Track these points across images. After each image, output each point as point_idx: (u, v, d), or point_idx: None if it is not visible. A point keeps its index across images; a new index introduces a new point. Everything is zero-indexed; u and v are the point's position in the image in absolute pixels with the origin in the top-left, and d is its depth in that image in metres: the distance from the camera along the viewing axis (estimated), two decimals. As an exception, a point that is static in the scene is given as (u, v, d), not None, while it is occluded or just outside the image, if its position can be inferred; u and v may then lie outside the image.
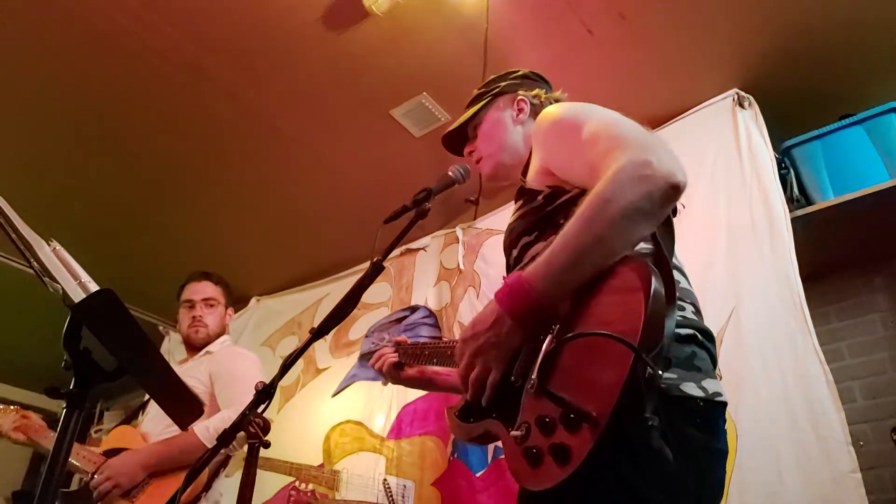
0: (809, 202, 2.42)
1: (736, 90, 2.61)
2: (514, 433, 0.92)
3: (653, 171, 0.94)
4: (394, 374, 1.56)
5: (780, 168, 2.44)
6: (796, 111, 2.64)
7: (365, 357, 3.30)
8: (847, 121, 2.41)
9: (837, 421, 1.89)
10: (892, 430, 2.27)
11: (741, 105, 2.58)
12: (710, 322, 2.23)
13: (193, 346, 2.46)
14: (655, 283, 0.86)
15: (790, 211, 2.32)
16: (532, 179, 1.27)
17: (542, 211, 1.20)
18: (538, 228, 1.20)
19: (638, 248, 1.03)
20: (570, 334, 0.91)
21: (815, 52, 2.48)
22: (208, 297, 2.47)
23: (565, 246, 0.96)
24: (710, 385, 1.02)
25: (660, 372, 0.79)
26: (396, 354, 1.56)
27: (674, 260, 1.15)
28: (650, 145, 1.00)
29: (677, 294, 1.08)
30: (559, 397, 0.86)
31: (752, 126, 2.52)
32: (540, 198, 1.21)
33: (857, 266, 2.60)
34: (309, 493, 3.11)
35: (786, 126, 2.57)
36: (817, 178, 2.42)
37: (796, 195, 2.44)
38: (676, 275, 1.13)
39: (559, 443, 0.84)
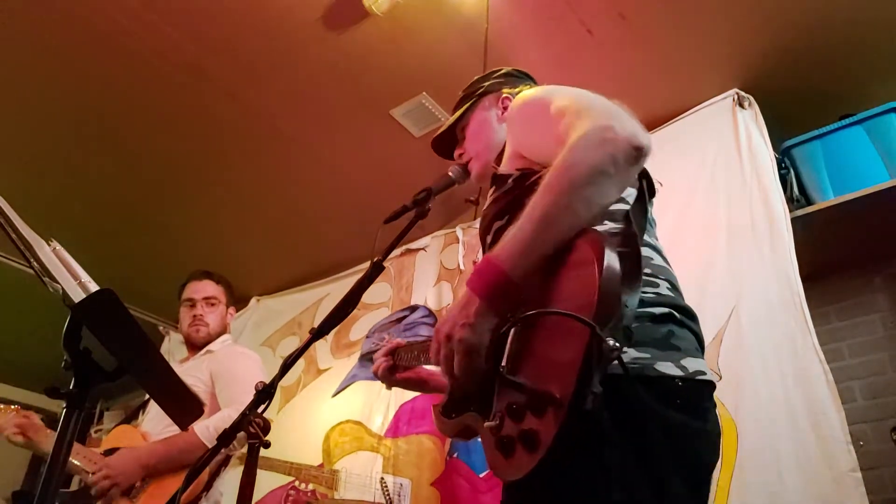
0: (809, 202, 2.42)
1: (736, 90, 2.61)
2: (487, 424, 0.90)
3: (615, 135, 0.95)
4: (387, 378, 1.54)
5: (780, 168, 2.44)
6: (796, 111, 2.64)
7: (366, 357, 3.31)
8: (847, 121, 2.41)
9: (837, 420, 1.89)
10: (892, 430, 2.27)
11: (741, 105, 2.58)
12: (711, 322, 2.25)
13: (194, 345, 2.45)
14: (609, 254, 0.84)
15: (790, 211, 2.32)
16: (503, 165, 1.27)
17: (512, 194, 1.18)
18: (508, 212, 1.18)
19: (607, 227, 1.03)
20: (524, 314, 0.89)
21: (815, 52, 2.49)
22: (209, 296, 2.46)
23: (531, 218, 0.94)
24: (692, 364, 0.99)
25: (617, 344, 0.77)
26: (391, 358, 1.55)
27: (649, 238, 1.14)
28: (612, 112, 1.00)
29: (648, 270, 1.06)
30: (518, 382, 0.84)
31: (752, 126, 2.52)
32: (510, 181, 1.20)
33: (857, 266, 2.60)
34: (309, 493, 3.11)
35: (786, 126, 2.57)
36: (817, 178, 2.42)
37: (796, 195, 2.44)
38: (649, 251, 1.12)
39: (527, 429, 0.81)
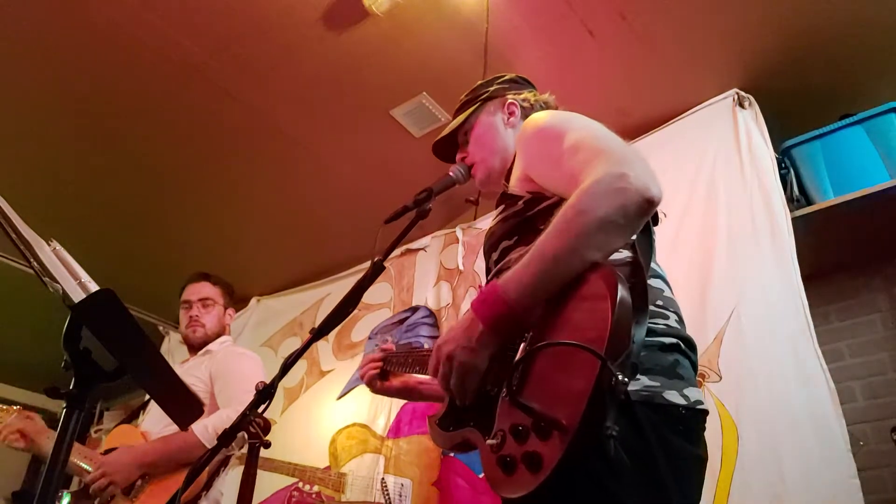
0: (809, 202, 2.42)
1: (736, 90, 2.61)
2: (489, 441, 0.93)
3: (627, 184, 0.96)
4: (374, 385, 1.55)
5: (780, 168, 2.44)
6: (796, 111, 2.64)
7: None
8: (847, 121, 2.41)
9: (837, 423, 1.89)
10: (892, 430, 2.27)
11: (741, 105, 2.58)
12: (711, 322, 2.24)
13: (192, 346, 2.46)
14: (622, 291, 0.87)
15: (790, 211, 2.32)
16: (514, 185, 1.27)
17: (523, 215, 1.21)
18: (518, 232, 1.21)
19: (618, 255, 1.04)
20: (539, 344, 0.93)
21: (815, 52, 2.48)
22: (204, 297, 2.48)
23: (540, 256, 0.97)
24: (692, 393, 1.03)
25: (625, 379, 0.80)
26: (380, 365, 1.55)
27: (656, 268, 1.17)
28: (628, 158, 1.01)
29: (660, 302, 1.10)
30: (528, 406, 0.87)
31: (752, 126, 2.52)
32: (520, 203, 1.22)
33: (858, 266, 2.60)
34: (314, 496, 3.10)
35: (786, 126, 2.57)
36: (817, 178, 2.42)
37: (796, 195, 2.44)
38: (659, 283, 1.15)
39: (531, 451, 0.85)
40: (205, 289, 2.50)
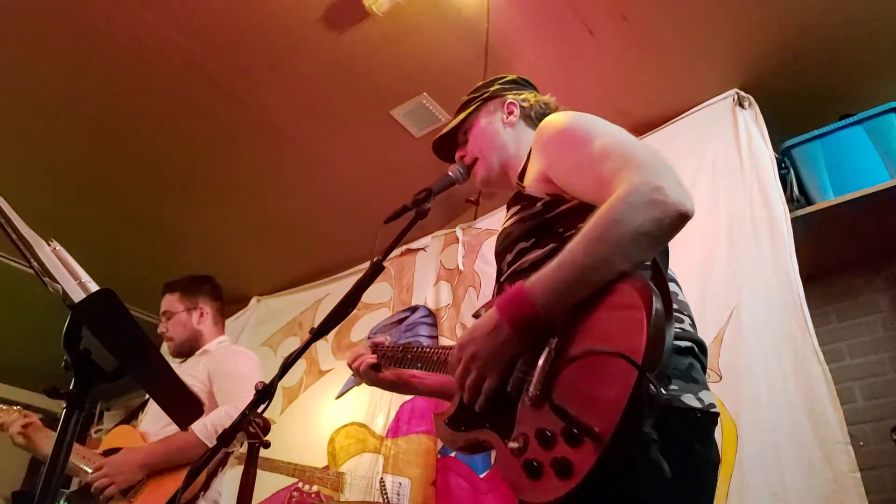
0: (809, 202, 2.42)
1: (736, 90, 2.61)
2: (511, 445, 0.92)
3: (664, 197, 0.95)
4: (370, 376, 1.53)
5: (780, 168, 2.43)
6: (796, 111, 2.64)
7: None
8: (847, 121, 2.41)
9: (836, 421, 1.89)
10: (892, 430, 2.27)
11: (741, 105, 2.58)
12: (711, 322, 2.24)
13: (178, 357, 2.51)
14: (657, 303, 0.86)
15: (790, 211, 2.32)
16: (531, 185, 1.26)
17: (541, 218, 1.20)
18: (535, 235, 1.20)
19: None
20: (579, 352, 0.91)
21: (816, 52, 2.48)
22: (163, 311, 2.54)
23: (572, 262, 0.96)
24: (706, 396, 1.03)
25: (662, 391, 0.80)
26: (374, 355, 1.54)
27: (670, 272, 1.16)
28: (660, 170, 1.00)
29: (675, 307, 1.09)
30: (564, 411, 0.85)
31: (752, 126, 2.52)
32: (539, 204, 1.20)
33: (858, 266, 2.60)
34: (313, 495, 3.11)
35: (786, 126, 2.56)
36: (817, 178, 2.42)
37: (796, 195, 2.44)
38: (673, 287, 1.15)
39: (561, 457, 0.84)
40: (163, 302, 2.57)
